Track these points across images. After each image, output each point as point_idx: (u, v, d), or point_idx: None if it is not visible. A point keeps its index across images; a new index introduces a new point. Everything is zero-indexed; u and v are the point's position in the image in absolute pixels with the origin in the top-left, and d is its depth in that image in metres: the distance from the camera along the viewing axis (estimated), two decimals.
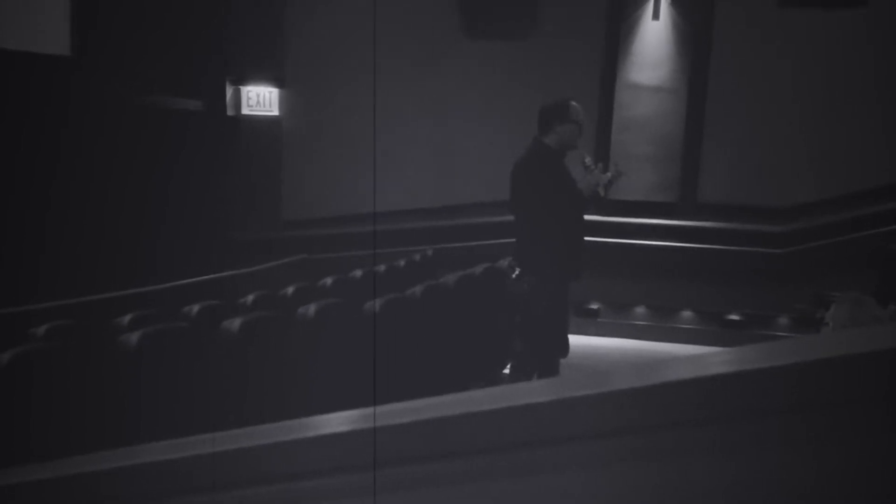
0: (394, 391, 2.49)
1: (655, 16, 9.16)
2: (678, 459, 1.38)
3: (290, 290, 6.16)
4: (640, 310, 8.86)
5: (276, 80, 10.44)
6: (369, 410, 1.71)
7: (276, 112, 10.49)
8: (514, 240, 4.73)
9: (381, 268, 7.60)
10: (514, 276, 4.58)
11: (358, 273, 7.28)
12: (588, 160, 4.68)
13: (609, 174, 4.68)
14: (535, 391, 1.59)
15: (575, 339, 5.62)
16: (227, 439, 1.89)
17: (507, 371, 5.06)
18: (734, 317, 8.71)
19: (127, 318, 4.71)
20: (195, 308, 4.92)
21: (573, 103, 4.65)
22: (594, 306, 8.79)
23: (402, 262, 8.26)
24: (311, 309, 3.94)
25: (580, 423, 1.45)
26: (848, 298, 3.03)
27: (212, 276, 8.31)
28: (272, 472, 1.79)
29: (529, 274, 4.54)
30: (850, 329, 2.71)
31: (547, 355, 4.77)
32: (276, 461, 1.79)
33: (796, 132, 9.10)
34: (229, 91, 10.43)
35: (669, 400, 1.37)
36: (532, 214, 4.62)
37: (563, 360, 4.94)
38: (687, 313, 8.83)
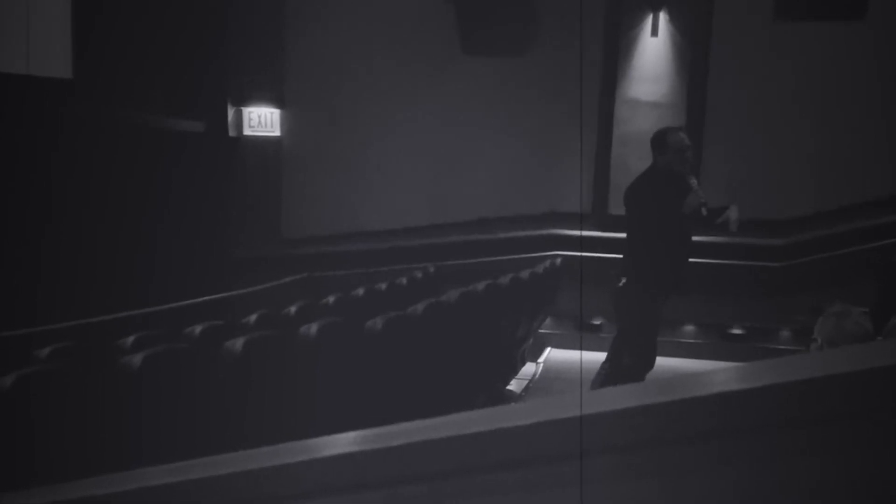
0: (396, 409, 2.50)
1: (654, 32, 9.21)
2: (682, 475, 1.39)
3: (293, 308, 6.16)
4: None
5: (277, 101, 10.50)
6: (370, 432, 1.72)
7: (277, 132, 10.54)
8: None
9: (382, 286, 7.60)
10: (620, 284, 4.86)
11: (360, 291, 7.28)
12: (693, 182, 4.92)
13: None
14: (537, 410, 1.60)
15: (579, 355, 5.65)
16: (229, 462, 1.90)
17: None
18: (736, 330, 8.71)
19: (130, 340, 4.71)
20: (198, 328, 4.92)
21: (677, 134, 5.01)
22: (597, 322, 8.79)
23: (403, 280, 8.27)
24: (314, 327, 3.94)
25: (586, 440, 1.46)
26: (833, 312, 3.06)
27: (214, 296, 8.32)
28: (276, 493, 1.80)
29: (635, 284, 4.83)
30: (839, 344, 2.73)
31: (638, 367, 5.03)
32: (279, 483, 1.80)
33: (795, 145, 9.13)
34: (231, 112, 10.50)
35: (672, 417, 1.38)
36: (638, 230, 4.96)
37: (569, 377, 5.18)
38: (689, 327, 8.82)
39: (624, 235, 5.32)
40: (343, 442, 1.80)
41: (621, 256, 5.28)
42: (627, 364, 5.06)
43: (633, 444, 1.42)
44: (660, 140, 5.04)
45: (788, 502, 1.32)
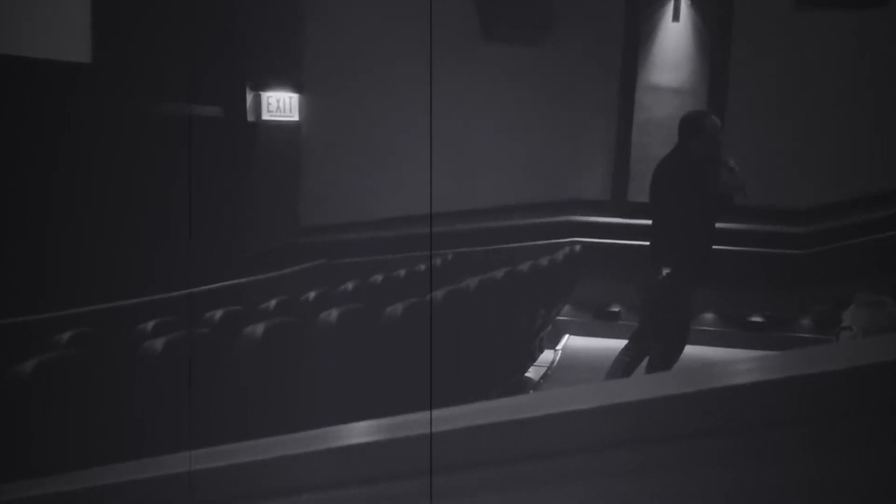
0: (414, 396, 2.49)
1: (675, 17, 9.13)
2: (689, 470, 1.37)
3: (312, 295, 6.17)
4: None
5: (296, 86, 10.49)
6: (389, 420, 1.71)
7: (296, 117, 10.54)
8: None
9: (401, 273, 7.61)
10: (662, 275, 4.74)
11: (378, 278, 7.29)
12: (732, 163, 4.82)
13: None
14: (547, 402, 1.59)
15: (597, 342, 5.61)
16: (248, 450, 1.90)
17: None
18: (756, 318, 8.66)
19: (150, 325, 4.74)
20: (218, 314, 4.94)
21: (711, 118, 4.88)
22: (615, 309, 8.76)
23: (422, 267, 8.27)
24: (334, 314, 3.94)
25: (588, 434, 1.44)
26: (866, 301, 3.01)
27: (233, 281, 8.34)
28: (293, 483, 1.80)
29: (672, 273, 4.75)
30: (872, 335, 2.69)
31: (669, 355, 4.98)
32: (297, 472, 1.80)
33: (817, 132, 9.03)
34: (249, 97, 10.49)
35: (681, 411, 1.36)
36: (669, 216, 4.84)
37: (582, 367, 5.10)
38: (709, 315, 8.78)
39: (648, 223, 5.22)
40: (349, 433, 1.79)
41: (649, 244, 5.16)
42: (659, 352, 5.00)
43: (636, 440, 1.41)
44: (695, 124, 4.89)
45: (797, 500, 1.30)
